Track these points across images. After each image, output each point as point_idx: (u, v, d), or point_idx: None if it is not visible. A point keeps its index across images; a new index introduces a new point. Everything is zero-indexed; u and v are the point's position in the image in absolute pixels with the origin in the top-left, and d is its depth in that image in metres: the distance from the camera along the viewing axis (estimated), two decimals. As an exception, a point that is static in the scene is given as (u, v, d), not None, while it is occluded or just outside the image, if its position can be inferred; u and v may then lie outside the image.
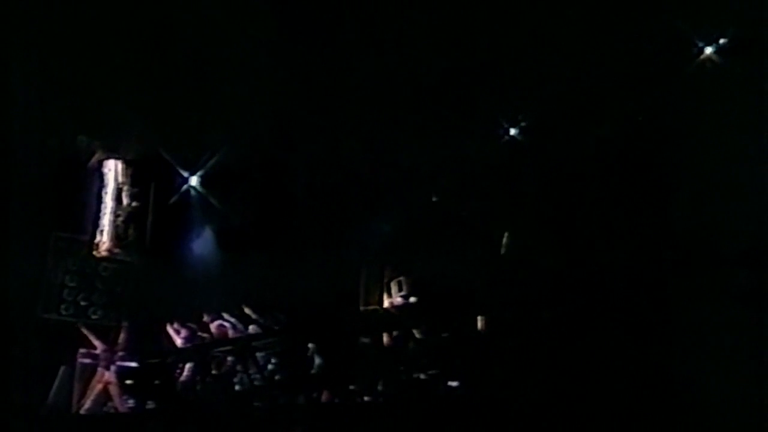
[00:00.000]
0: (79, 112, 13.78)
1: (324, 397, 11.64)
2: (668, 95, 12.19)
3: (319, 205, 14.65)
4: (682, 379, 9.21)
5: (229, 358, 12.53)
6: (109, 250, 14.82)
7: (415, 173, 13.96)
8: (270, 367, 12.15)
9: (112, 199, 14.97)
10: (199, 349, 13.32)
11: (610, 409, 9.06)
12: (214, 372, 12.72)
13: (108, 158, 15.08)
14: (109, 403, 13.80)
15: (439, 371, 11.13)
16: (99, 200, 15.00)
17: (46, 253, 14.58)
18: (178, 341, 13.66)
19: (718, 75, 11.92)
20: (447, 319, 11.44)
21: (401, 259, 13.80)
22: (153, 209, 15.23)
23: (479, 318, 11.18)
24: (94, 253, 14.85)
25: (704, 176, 11.09)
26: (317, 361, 11.84)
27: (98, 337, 14.35)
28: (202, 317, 13.79)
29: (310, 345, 11.95)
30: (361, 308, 14.16)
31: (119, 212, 14.97)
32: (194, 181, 15.07)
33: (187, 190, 15.16)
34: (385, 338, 11.98)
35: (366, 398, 11.32)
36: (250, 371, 12.15)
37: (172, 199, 15.22)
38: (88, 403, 13.89)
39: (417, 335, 11.64)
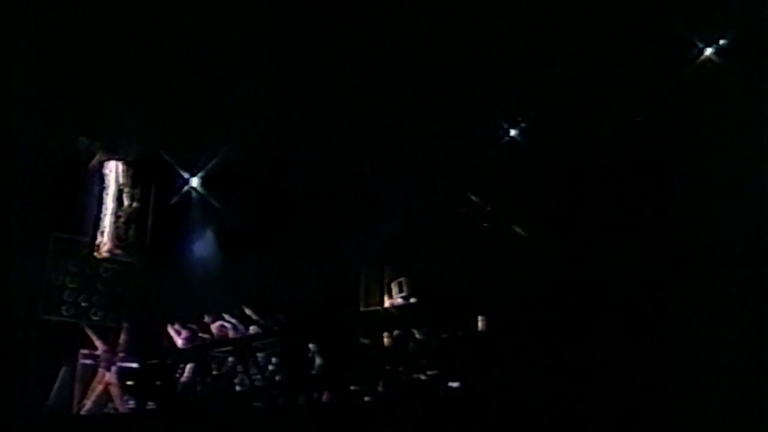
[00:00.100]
0: (80, 114, 13.79)
1: (324, 397, 11.64)
2: (668, 96, 12.18)
3: (319, 206, 14.65)
4: (683, 379, 9.19)
5: (230, 359, 12.53)
6: (109, 251, 14.88)
7: (415, 174, 13.96)
8: (270, 367, 12.15)
9: (112, 201, 15.03)
10: (200, 349, 13.33)
11: (611, 408, 9.04)
12: (214, 372, 12.72)
13: (109, 159, 15.15)
14: (110, 404, 13.83)
15: (440, 372, 11.11)
16: (100, 201, 15.06)
17: (47, 254, 14.64)
18: (179, 342, 13.67)
19: (718, 76, 11.91)
20: (447, 319, 11.41)
21: (401, 260, 13.81)
22: (153, 210, 15.29)
23: (480, 318, 11.17)
24: (95, 254, 14.92)
25: (704, 176, 11.08)
26: (318, 361, 11.84)
27: (99, 338, 14.38)
28: (203, 318, 13.80)
29: (310, 345, 11.94)
30: (362, 309, 14.19)
31: (120, 213, 15.03)
32: (195, 182, 15.12)
33: (188, 191, 15.20)
34: (386, 339, 11.96)
35: (366, 398, 11.31)
36: (251, 372, 12.15)
37: (173, 200, 15.26)
38: (88, 404, 13.93)
39: (417, 336, 11.62)
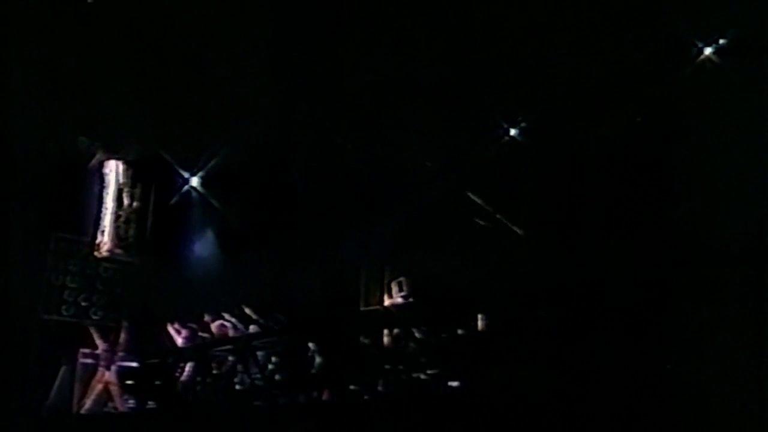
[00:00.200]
0: (80, 113, 13.80)
1: (324, 396, 11.64)
2: (668, 95, 12.18)
3: (319, 205, 14.65)
4: (683, 378, 9.19)
5: (230, 358, 12.54)
6: (109, 251, 14.88)
7: (414, 173, 13.96)
8: (270, 366, 12.16)
9: (112, 200, 15.03)
10: (200, 348, 13.33)
11: (611, 408, 9.04)
12: (214, 372, 12.73)
13: (109, 159, 15.14)
14: (110, 403, 13.84)
15: (439, 371, 11.11)
16: (100, 201, 15.05)
17: (47, 253, 14.63)
18: (179, 341, 13.69)
19: (718, 75, 11.91)
20: (447, 319, 11.42)
21: (401, 259, 13.80)
22: (154, 210, 15.29)
23: (479, 318, 11.17)
24: (95, 253, 14.92)
25: (704, 176, 11.08)
26: (318, 360, 11.85)
27: (99, 337, 14.40)
28: (203, 317, 13.81)
29: (310, 344, 11.95)
30: (362, 308, 14.18)
31: (120, 213, 15.02)
32: (195, 181, 15.12)
33: (188, 191, 15.20)
34: (386, 338, 11.97)
35: (366, 398, 11.32)
36: (251, 371, 12.15)
37: (173, 200, 15.26)
38: (88, 403, 13.95)
39: (417, 335, 11.63)
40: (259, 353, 12.31)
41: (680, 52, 12.15)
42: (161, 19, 12.42)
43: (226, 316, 13.53)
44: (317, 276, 13.99)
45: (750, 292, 9.28)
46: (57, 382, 14.17)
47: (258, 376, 12.12)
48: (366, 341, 12.02)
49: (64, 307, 14.66)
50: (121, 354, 14.14)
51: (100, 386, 13.95)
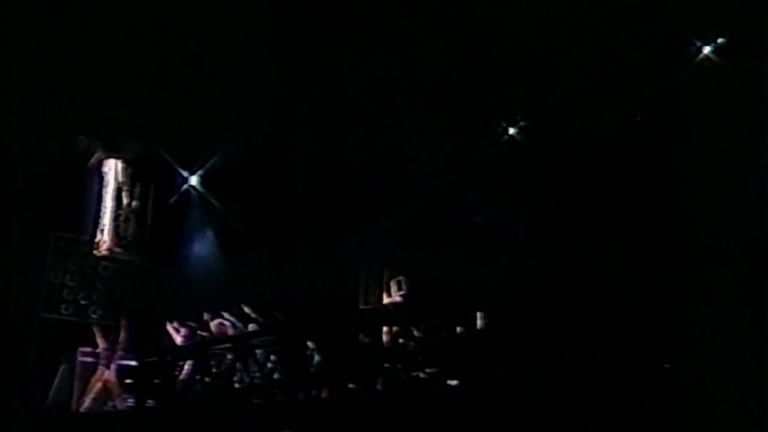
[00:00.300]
0: (79, 112, 13.81)
1: (323, 395, 11.63)
2: (667, 95, 12.18)
3: (318, 204, 14.67)
4: (683, 377, 9.19)
5: (229, 356, 12.53)
6: (109, 250, 14.90)
7: (413, 172, 13.97)
8: (269, 365, 12.15)
9: (112, 199, 15.04)
10: (199, 347, 13.33)
11: (610, 407, 9.03)
12: (213, 370, 12.72)
13: (108, 158, 15.15)
14: (109, 402, 13.84)
15: (439, 370, 11.11)
16: (99, 200, 15.07)
17: (47, 252, 14.64)
18: (178, 340, 13.69)
19: (717, 74, 11.91)
20: (446, 318, 11.42)
21: (401, 258, 13.79)
22: (153, 209, 15.30)
23: (479, 317, 11.17)
24: (95, 252, 14.94)
25: (703, 175, 11.08)
26: (317, 359, 11.84)
27: (98, 336, 14.41)
28: (202, 316, 13.81)
29: (309, 343, 11.94)
30: (361, 307, 14.17)
31: (119, 212, 15.04)
32: (194, 180, 15.14)
33: (187, 190, 15.22)
34: (385, 337, 11.96)
35: (365, 396, 11.31)
36: (250, 369, 12.14)
37: (172, 199, 15.28)
38: (88, 402, 13.95)
39: (416, 334, 11.62)
40: (258, 352, 12.29)
41: (679, 52, 12.16)
42: (160, 19, 12.43)
43: (226, 314, 13.51)
44: (316, 275, 13.99)
45: (750, 292, 9.28)
46: (56, 381, 14.18)
47: (257, 374, 12.11)
48: (365, 340, 12.01)
49: (63, 305, 14.68)
50: (120, 352, 14.14)
51: (99, 385, 13.96)
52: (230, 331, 13.37)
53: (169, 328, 13.79)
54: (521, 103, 13.52)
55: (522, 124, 13.81)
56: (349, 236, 14.23)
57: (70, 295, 14.77)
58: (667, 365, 9.48)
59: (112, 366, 14.04)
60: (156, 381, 12.96)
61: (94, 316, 14.84)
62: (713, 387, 8.62)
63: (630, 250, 11.23)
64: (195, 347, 13.38)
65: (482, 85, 12.95)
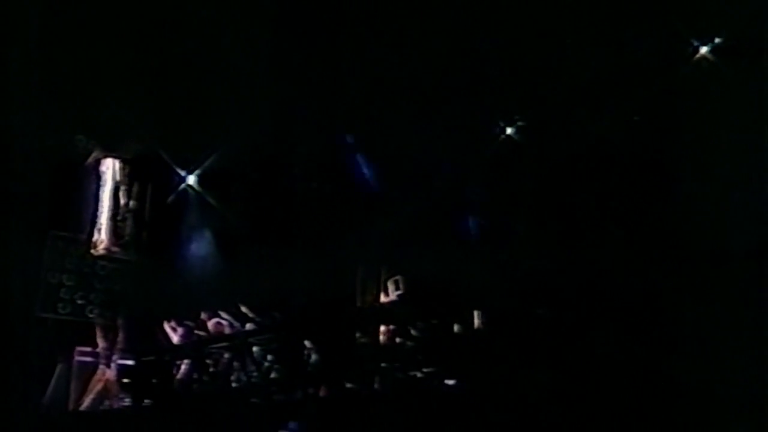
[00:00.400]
0: (77, 112, 13.80)
1: (321, 394, 11.63)
2: (664, 94, 12.20)
3: (315, 203, 14.67)
4: (683, 377, 9.19)
5: (226, 355, 12.52)
6: (106, 249, 14.89)
7: (411, 171, 13.97)
8: (267, 364, 12.14)
9: (109, 198, 15.03)
10: (196, 346, 13.32)
11: (609, 407, 9.03)
12: (211, 369, 12.71)
13: (106, 157, 15.14)
14: (107, 401, 13.83)
15: (436, 369, 11.10)
16: (96, 199, 15.05)
17: (44, 251, 14.62)
18: (175, 339, 13.67)
19: (714, 74, 11.93)
20: (444, 317, 11.42)
21: (398, 257, 13.79)
22: (150, 208, 15.29)
23: (476, 316, 11.17)
24: (92, 251, 14.93)
25: (702, 175, 11.09)
26: (314, 358, 11.84)
27: (98, 336, 14.40)
28: (199, 315, 13.80)
29: (306, 342, 11.93)
30: (358, 306, 14.17)
31: (117, 211, 15.02)
32: (191, 180, 15.13)
33: (185, 189, 15.20)
34: (382, 336, 11.97)
35: (362, 395, 11.31)
36: (248, 368, 12.14)
37: (170, 198, 15.27)
38: (87, 401, 13.92)
39: (413, 333, 11.62)
40: (256, 351, 12.29)
41: (676, 51, 12.17)
42: (159, 18, 12.43)
43: (223, 314, 13.51)
44: (314, 274, 13.97)
45: (750, 292, 9.28)
46: (53, 381, 14.17)
47: (254, 373, 12.11)
48: (362, 339, 12.01)
49: (60, 305, 14.66)
50: (117, 352, 14.13)
51: (99, 385, 13.95)
52: (227, 331, 13.36)
53: (167, 327, 13.78)
54: (519, 102, 13.53)
55: (519, 123, 13.83)
56: (346, 235, 14.23)
57: (67, 294, 14.76)
58: (666, 365, 9.49)
59: (113, 365, 14.02)
60: (153, 380, 12.94)
61: (91, 315, 14.83)
62: (713, 387, 8.62)
63: (629, 249, 11.23)
64: (192, 346, 13.37)
65: (480, 84, 12.97)
